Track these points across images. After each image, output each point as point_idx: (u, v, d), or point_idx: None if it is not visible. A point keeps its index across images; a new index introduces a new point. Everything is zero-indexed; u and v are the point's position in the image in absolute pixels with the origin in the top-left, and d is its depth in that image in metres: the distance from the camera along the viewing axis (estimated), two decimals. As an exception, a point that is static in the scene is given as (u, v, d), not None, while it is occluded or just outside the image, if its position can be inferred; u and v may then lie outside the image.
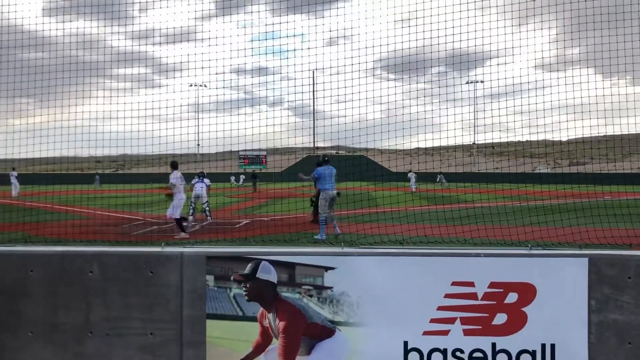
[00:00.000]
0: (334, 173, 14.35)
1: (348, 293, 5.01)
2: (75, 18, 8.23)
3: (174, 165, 14.41)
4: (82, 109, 8.14)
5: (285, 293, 5.03)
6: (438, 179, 41.76)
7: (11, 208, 17.58)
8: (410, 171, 38.42)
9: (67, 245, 5.77)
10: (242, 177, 57.59)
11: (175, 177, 14.36)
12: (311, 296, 5.04)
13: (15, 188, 34.02)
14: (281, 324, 4.98)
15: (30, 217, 12.03)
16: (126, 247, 5.56)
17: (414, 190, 33.71)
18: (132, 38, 8.50)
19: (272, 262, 5.04)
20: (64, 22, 8.17)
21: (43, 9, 8.56)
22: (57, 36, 8.20)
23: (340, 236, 11.73)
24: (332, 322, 4.97)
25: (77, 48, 8.15)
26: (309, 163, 14.92)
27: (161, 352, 5.08)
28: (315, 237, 12.65)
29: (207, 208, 18.65)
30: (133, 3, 8.21)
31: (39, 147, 8.00)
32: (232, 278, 5.06)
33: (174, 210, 14.22)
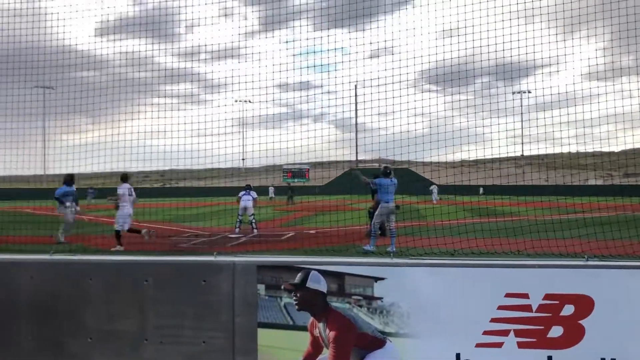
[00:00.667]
0: (395, 186, 14.03)
1: (398, 304, 4.98)
2: (125, 37, 8.55)
3: (123, 178, 14.55)
4: (131, 124, 8.41)
5: (335, 303, 5.05)
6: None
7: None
8: (432, 184, 37.77)
9: (123, 255, 5.95)
10: (272, 189, 56.17)
11: (123, 188, 14.52)
12: (361, 306, 5.04)
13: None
14: (331, 334, 5.00)
15: (88, 229, 12.47)
16: (179, 256, 5.70)
17: (435, 203, 33.21)
18: (179, 55, 8.76)
19: (321, 271, 5.08)
20: (114, 40, 8.50)
21: (95, 30, 8.91)
22: (107, 55, 8.53)
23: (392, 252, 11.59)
24: (382, 332, 4.95)
25: (126, 66, 8.45)
26: (351, 175, 14.74)
27: (213, 360, 5.16)
28: (364, 248, 12.49)
29: (254, 220, 18.89)
30: (180, 21, 8.47)
31: (90, 161, 8.30)
32: (282, 287, 5.12)
33: (118, 221, 14.15)
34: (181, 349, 5.22)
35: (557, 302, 4.71)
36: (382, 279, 5.03)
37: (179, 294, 5.26)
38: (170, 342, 5.24)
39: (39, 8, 8.48)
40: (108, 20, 8.63)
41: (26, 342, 5.41)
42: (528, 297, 4.75)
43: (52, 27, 8.47)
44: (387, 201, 13.66)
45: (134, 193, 14.59)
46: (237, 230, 18.43)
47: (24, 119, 8.74)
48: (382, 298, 5.00)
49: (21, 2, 8.36)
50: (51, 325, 5.40)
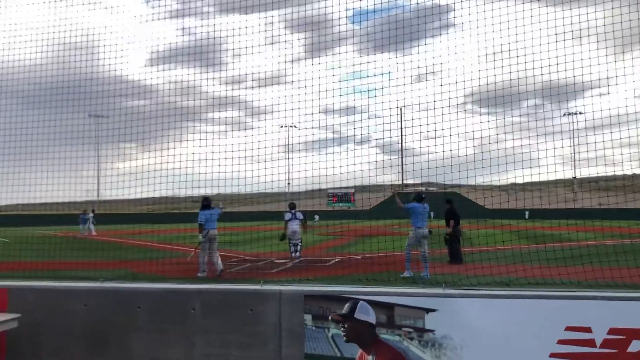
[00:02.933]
0: (427, 211, 13.96)
1: (451, 336, 4.79)
2: (174, 66, 8.75)
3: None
4: (179, 151, 8.54)
5: (385, 335, 4.90)
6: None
7: (115, 246, 18.68)
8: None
9: (170, 282, 5.99)
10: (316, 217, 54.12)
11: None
12: (412, 339, 4.88)
13: (89, 229, 35.79)
14: (381, 367, 4.84)
15: (134, 254, 12.68)
16: (226, 284, 5.69)
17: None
18: (226, 83, 8.89)
19: (370, 302, 4.95)
20: (164, 70, 8.71)
21: (146, 60, 9.17)
22: (157, 84, 8.74)
23: (426, 279, 11.42)
24: (434, 366, 4.76)
25: (175, 95, 8.62)
26: (410, 200, 14.57)
27: (260, 392, 5.08)
28: (401, 275, 12.40)
29: (300, 244, 18.81)
30: (227, 50, 8.61)
31: (140, 188, 8.44)
32: (329, 318, 5.01)
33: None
34: (228, 379, 5.16)
35: (624, 337, 4.42)
36: (434, 310, 4.86)
37: (225, 322, 5.23)
38: (217, 371, 5.19)
39: (94, 41, 8.80)
40: (158, 51, 8.87)
41: (77, 369, 5.48)
42: (591, 331, 4.48)
43: (106, 58, 8.77)
44: (419, 226, 13.47)
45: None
46: (292, 255, 18.45)
47: (77, 147, 9.03)
48: (434, 330, 4.83)
49: (77, 36, 8.70)
50: (102, 353, 5.45)
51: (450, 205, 17.19)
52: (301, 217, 18.84)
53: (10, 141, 8.90)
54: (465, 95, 7.90)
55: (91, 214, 35.89)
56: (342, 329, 4.95)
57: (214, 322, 5.26)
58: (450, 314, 4.81)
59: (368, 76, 8.33)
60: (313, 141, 8.74)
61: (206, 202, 14.09)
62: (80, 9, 8.87)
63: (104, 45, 8.87)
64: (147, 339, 5.37)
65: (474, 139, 7.63)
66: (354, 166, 7.80)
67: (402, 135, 8.39)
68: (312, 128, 8.52)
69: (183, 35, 8.89)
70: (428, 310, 4.86)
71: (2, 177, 8.83)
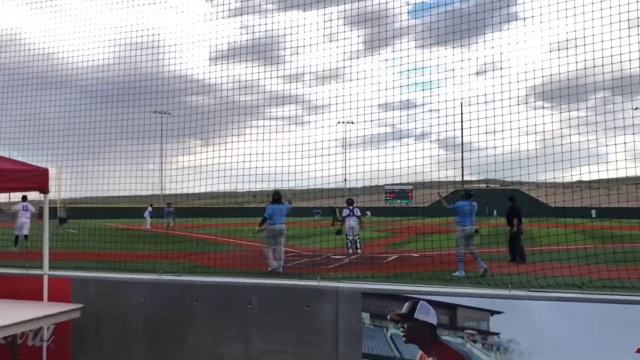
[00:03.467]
0: (475, 209, 13.68)
1: (518, 340, 4.48)
2: (234, 64, 8.74)
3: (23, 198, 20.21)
4: (239, 145, 8.53)
5: (446, 336, 4.64)
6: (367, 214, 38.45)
7: (180, 239, 19.06)
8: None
9: (227, 276, 5.93)
10: (318, 211, 51.50)
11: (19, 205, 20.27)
12: (475, 341, 4.59)
13: (147, 222, 37.15)
14: (442, 370, 4.59)
15: (196, 247, 12.84)
16: (283, 279, 5.58)
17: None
18: (284, 77, 8.81)
19: (431, 302, 4.70)
20: (227, 69, 8.71)
21: (208, 57, 9.20)
22: (218, 79, 8.76)
23: (489, 275, 11.12)
24: (499, 372, 4.46)
25: (234, 89, 8.61)
26: (458, 197, 14.36)
27: (316, 390, 4.93)
28: (454, 274, 12.17)
29: (358, 241, 18.66)
30: (285, 48, 8.54)
31: (203, 182, 8.50)
32: (388, 317, 4.79)
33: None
34: (284, 375, 5.04)
35: None
36: (500, 312, 4.55)
37: (281, 318, 5.11)
38: (273, 368, 5.08)
39: (159, 40, 8.94)
40: (219, 49, 8.90)
41: (138, 360, 5.51)
42: (676, 341, 4.06)
43: (170, 57, 8.90)
44: (465, 224, 13.33)
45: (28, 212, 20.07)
46: (349, 250, 18.33)
47: (143, 142, 9.20)
48: (499, 333, 4.52)
49: (143, 36, 8.86)
50: (161, 345, 5.46)
51: (513, 203, 16.62)
52: (359, 213, 18.67)
53: (82, 138, 9.19)
54: (527, 88, 7.49)
55: (168, 208, 36.37)
56: (401, 329, 4.73)
57: (270, 318, 5.15)
58: (517, 316, 4.49)
59: (425, 67, 8.05)
60: (372, 135, 8.51)
61: (277, 196, 14.01)
62: (146, 9, 9.01)
63: (169, 45, 9.00)
64: (204, 332, 5.33)
65: (536, 133, 7.22)
66: (413, 161, 7.55)
67: (462, 130, 8.08)
68: (371, 121, 8.28)
69: (242, 33, 8.89)
70: (493, 312, 4.57)
71: (75, 171, 9.12)
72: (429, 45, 7.79)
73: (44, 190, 5.82)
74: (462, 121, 8.00)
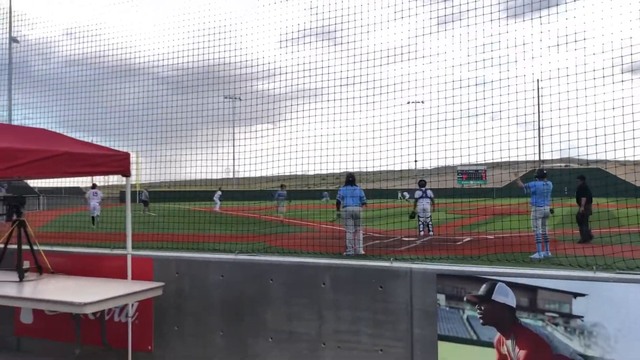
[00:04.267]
0: (551, 189, 13.40)
1: (603, 324, 4.29)
2: (303, 47, 8.76)
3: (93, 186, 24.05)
4: (308, 128, 8.58)
5: (526, 319, 4.52)
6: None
7: (251, 220, 19.53)
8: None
9: (301, 256, 6.03)
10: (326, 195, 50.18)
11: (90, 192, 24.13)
12: (557, 325, 4.44)
13: (217, 205, 38.93)
14: (522, 353, 4.48)
15: (269, 229, 13.12)
16: (355, 260, 5.60)
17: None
18: (354, 60, 8.73)
19: (509, 284, 4.58)
20: (298, 51, 8.75)
21: (277, 42, 9.27)
22: (285, 63, 8.82)
23: (552, 258, 11.04)
24: (584, 356, 4.30)
25: (303, 71, 8.63)
26: (532, 178, 14.01)
27: (391, 370, 4.95)
28: (531, 256, 12.20)
29: (430, 223, 18.46)
30: (354, 27, 8.45)
31: (272, 165, 8.65)
32: (465, 299, 4.72)
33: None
34: (358, 355, 5.10)
35: None
36: (583, 295, 4.37)
37: (355, 298, 5.15)
38: (347, 347, 5.14)
39: (230, 25, 9.12)
40: (286, 33, 8.96)
41: (218, 337, 5.73)
42: None
43: (240, 43, 9.06)
44: (540, 205, 13.23)
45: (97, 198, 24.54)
46: (421, 232, 18.20)
47: (216, 126, 9.47)
48: (582, 317, 4.35)
49: (214, 22, 9.07)
50: (238, 323, 5.65)
51: (583, 182, 15.98)
52: (431, 194, 18.41)
53: (158, 124, 9.59)
54: (610, 60, 7.05)
55: (281, 190, 37.22)
56: (478, 311, 4.65)
57: (344, 298, 5.20)
58: (602, 299, 4.30)
59: (499, 42, 7.73)
60: (440, 114, 8.32)
61: (351, 178, 14.05)
62: (217, -5, 9.19)
63: (240, 29, 9.16)
64: (279, 311, 5.46)
65: (621, 109, 6.81)
66: (487, 140, 7.33)
67: (539, 107, 7.75)
68: (440, 100, 8.08)
69: (311, 14, 8.88)
70: (576, 295, 4.39)
71: (153, 156, 9.54)
72: (505, 18, 7.49)
73: (126, 173, 6.12)
74: (539, 96, 7.68)
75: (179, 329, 5.96)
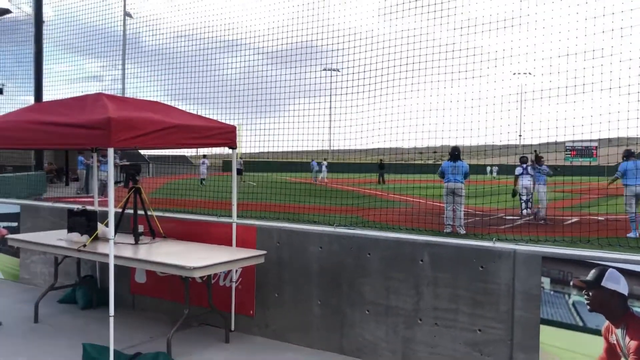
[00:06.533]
0: None
1: None
2: (402, 15, 8.64)
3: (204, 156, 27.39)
4: (405, 102, 8.51)
5: (639, 308, 4.32)
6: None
7: (350, 194, 19.76)
8: None
9: (399, 232, 6.10)
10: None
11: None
12: (674, 317, 4.22)
13: (323, 174, 41.64)
14: (632, 344, 4.31)
15: (366, 202, 13.25)
16: (455, 238, 5.58)
17: None
18: (456, 29, 8.49)
19: (621, 270, 4.39)
20: (398, 19, 8.66)
21: (376, 10, 9.21)
22: (386, 34, 8.75)
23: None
24: None
25: (407, 44, 8.52)
26: None
27: (489, 351, 4.95)
28: (628, 235, 12.28)
29: (531, 201, 17.77)
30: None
31: (368, 139, 8.70)
32: (571, 283, 4.59)
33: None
34: (455, 334, 5.13)
35: None
36: None
37: (454, 277, 5.16)
38: (444, 325, 5.19)
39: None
40: (387, 3, 8.87)
41: (316, 307, 5.99)
42: None
43: (340, 12, 9.11)
44: (629, 185, 13.51)
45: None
46: (524, 212, 17.62)
47: (313, 100, 9.66)
48: None
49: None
50: (335, 294, 5.86)
51: None
52: (533, 172, 17.70)
53: (259, 97, 9.94)
54: None
55: (324, 163, 39.63)
56: (585, 297, 4.51)
57: (442, 276, 5.23)
58: None
59: (621, 17, 7.21)
60: (550, 88, 7.93)
61: (456, 152, 13.73)
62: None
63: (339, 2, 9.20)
64: (376, 285, 5.59)
65: None
66: (599, 117, 6.93)
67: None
68: (550, 74, 7.71)
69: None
70: (699, 287, 4.14)
71: (253, 128, 9.94)
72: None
73: (233, 145, 6.47)
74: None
75: (279, 296, 6.27)
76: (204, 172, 33.08)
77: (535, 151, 16.81)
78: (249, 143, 10.12)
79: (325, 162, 41.77)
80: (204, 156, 32.43)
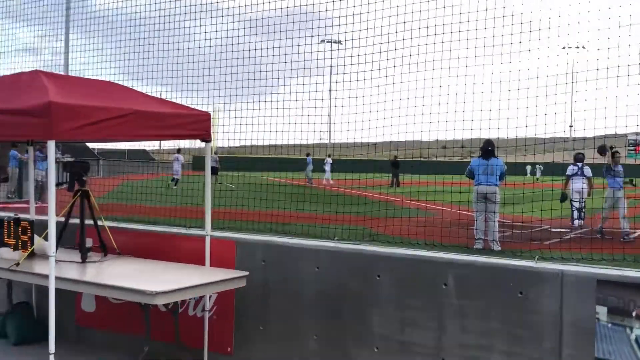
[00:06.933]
0: None
1: None
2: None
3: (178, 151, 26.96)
4: (429, 83, 8.49)
5: None
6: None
7: (355, 199, 19.67)
8: None
9: (416, 248, 6.12)
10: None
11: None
12: None
13: (327, 174, 42.47)
14: None
15: (377, 211, 13.17)
16: (487, 256, 5.61)
17: None
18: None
19: (698, 297, 4.42)
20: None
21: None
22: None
23: None
24: None
25: (426, 9, 8.53)
26: None
27: (531, 400, 4.97)
28: None
29: (583, 210, 17.84)
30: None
31: (378, 130, 8.70)
32: (634, 314, 4.62)
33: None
34: (488, 377, 5.16)
35: None
36: None
37: (487, 305, 5.19)
38: (474, 366, 5.22)
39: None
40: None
41: (312, 342, 6.01)
42: None
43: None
44: None
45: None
46: (575, 223, 17.63)
47: (309, 80, 9.65)
48: None
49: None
50: (336, 326, 5.88)
51: None
52: (589, 173, 17.69)
53: (241, 75, 9.91)
54: None
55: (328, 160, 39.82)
56: (652, 331, 4.54)
57: (472, 304, 5.26)
58: None
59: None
60: (608, 67, 7.95)
61: (490, 147, 13.26)
62: None
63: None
64: (388, 315, 5.61)
65: None
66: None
67: None
68: (608, 49, 7.74)
69: None
70: None
71: (232, 115, 9.91)
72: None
73: (206, 137, 6.48)
74: None
75: (264, 329, 6.29)
76: (177, 171, 33.33)
77: (612, 147, 16.46)
78: (227, 135, 10.09)
79: (329, 160, 41.79)
80: (178, 151, 31.20)
